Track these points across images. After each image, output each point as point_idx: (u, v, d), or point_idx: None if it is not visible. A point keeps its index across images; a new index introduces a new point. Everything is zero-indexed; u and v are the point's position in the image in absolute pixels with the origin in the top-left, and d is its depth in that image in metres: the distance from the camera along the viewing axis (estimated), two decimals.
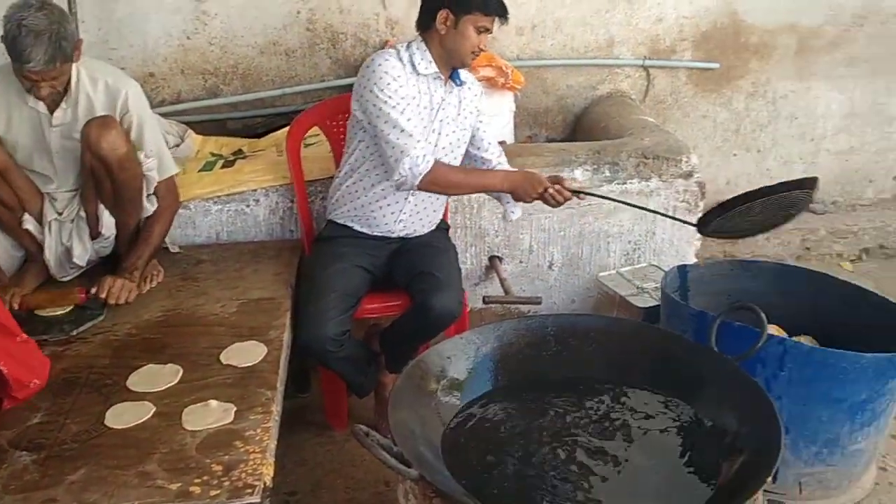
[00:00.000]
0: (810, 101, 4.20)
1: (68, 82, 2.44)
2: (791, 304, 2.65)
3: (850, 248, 4.18)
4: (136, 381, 2.08)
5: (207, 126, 3.62)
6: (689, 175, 3.15)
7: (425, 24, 2.52)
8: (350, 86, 3.63)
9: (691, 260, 3.23)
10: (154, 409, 1.95)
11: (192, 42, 3.61)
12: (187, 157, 3.15)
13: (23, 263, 2.64)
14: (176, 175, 2.71)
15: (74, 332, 2.32)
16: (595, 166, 3.13)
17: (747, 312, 2.13)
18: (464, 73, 2.64)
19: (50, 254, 2.55)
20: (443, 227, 2.85)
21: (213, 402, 1.96)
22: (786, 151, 4.27)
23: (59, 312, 2.39)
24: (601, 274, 3.18)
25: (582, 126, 3.94)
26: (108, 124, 2.42)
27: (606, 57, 3.94)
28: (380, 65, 2.46)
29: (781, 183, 2.43)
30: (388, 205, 2.61)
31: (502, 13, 2.47)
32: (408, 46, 2.54)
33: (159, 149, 2.62)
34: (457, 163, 2.66)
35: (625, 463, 1.87)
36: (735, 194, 2.45)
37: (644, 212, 2.88)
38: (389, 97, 2.43)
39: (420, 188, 2.45)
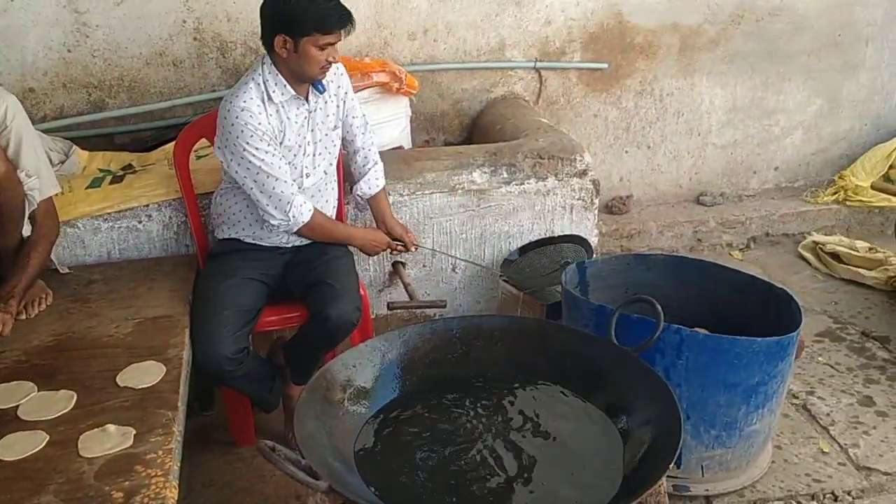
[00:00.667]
0: (695, 97, 4.35)
1: None
2: (685, 294, 2.75)
3: (738, 237, 4.35)
4: (27, 410, 1.97)
5: (94, 141, 3.50)
6: (583, 173, 3.22)
7: (267, 46, 2.45)
8: None
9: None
10: (48, 438, 1.86)
11: (73, 55, 3.47)
12: (73, 173, 3.04)
13: None
14: (56, 195, 2.58)
15: None
16: (492, 168, 3.16)
17: (644, 304, 2.19)
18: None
19: None
20: None
21: (111, 427, 1.87)
22: (674, 147, 4.42)
23: None
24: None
25: (478, 129, 3.98)
26: None
27: (499, 60, 3.99)
28: (241, 111, 2.40)
29: (557, 237, 3.19)
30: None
31: (343, 24, 2.38)
32: (262, 71, 2.47)
33: (38, 167, 2.47)
34: (334, 161, 2.73)
35: (533, 459, 1.89)
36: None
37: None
38: (256, 149, 2.42)
39: (300, 233, 2.60)
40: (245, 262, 2.56)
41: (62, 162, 3.03)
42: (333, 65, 2.51)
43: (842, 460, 2.63)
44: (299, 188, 2.56)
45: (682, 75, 4.29)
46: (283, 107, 2.49)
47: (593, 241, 3.33)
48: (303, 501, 2.45)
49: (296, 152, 2.56)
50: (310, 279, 2.55)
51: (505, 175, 3.17)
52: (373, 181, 2.81)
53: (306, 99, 2.55)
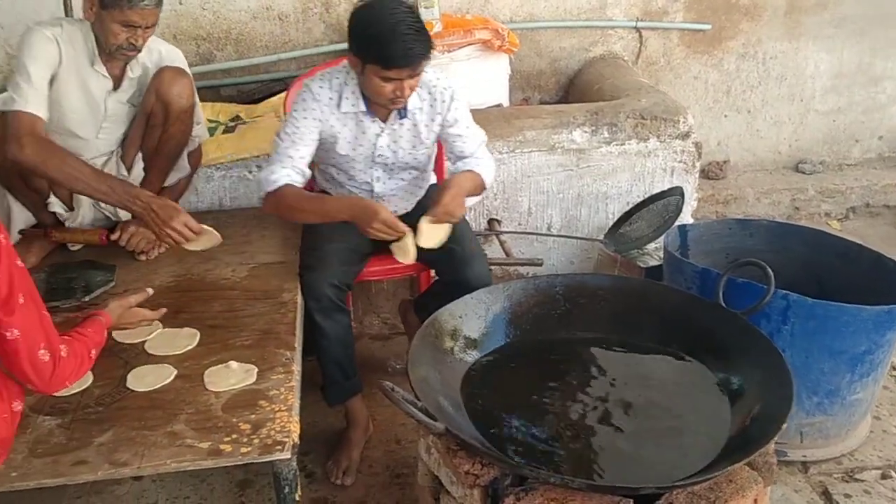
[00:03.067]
0: (799, 61, 4.25)
1: None
2: (787, 260, 2.71)
3: (837, 206, 4.26)
4: (154, 345, 2.09)
5: (201, 93, 3.55)
6: (686, 135, 3.19)
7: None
8: (345, 51, 3.65)
9: (689, 220, 3.27)
10: (175, 372, 1.97)
11: (184, 7, 3.58)
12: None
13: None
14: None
15: (86, 299, 2.32)
16: (593, 127, 3.15)
17: (751, 268, 2.19)
18: (415, 99, 2.41)
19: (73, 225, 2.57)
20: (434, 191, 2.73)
21: (234, 364, 1.97)
22: (775, 112, 4.33)
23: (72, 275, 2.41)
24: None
25: (575, 88, 3.96)
26: (181, 74, 2.54)
27: (599, 19, 3.96)
28: (303, 92, 2.41)
29: (655, 194, 3.03)
30: (359, 193, 2.59)
31: (405, 64, 2.19)
32: (343, 76, 2.41)
33: (199, 115, 2.72)
34: (416, 170, 2.61)
35: (637, 417, 1.92)
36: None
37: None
38: (294, 117, 2.39)
39: (265, 208, 2.45)
40: None
41: None
42: (437, 92, 2.43)
43: None
44: (372, 195, 2.55)
45: (787, 38, 4.19)
46: (355, 117, 2.42)
47: (692, 205, 3.31)
48: (403, 445, 2.57)
49: (353, 164, 2.51)
50: None
51: (606, 135, 3.16)
52: (471, 165, 2.55)
53: (384, 119, 2.44)
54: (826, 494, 2.36)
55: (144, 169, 2.66)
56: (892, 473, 2.44)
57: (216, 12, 3.61)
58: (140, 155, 2.65)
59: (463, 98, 2.53)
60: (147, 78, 2.55)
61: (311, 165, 2.49)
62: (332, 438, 2.60)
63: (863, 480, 2.41)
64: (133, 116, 2.61)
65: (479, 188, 2.53)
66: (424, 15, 3.54)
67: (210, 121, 3.20)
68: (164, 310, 2.10)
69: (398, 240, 2.32)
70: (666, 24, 4.02)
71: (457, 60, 3.46)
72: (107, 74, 2.49)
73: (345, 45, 3.63)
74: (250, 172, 2.96)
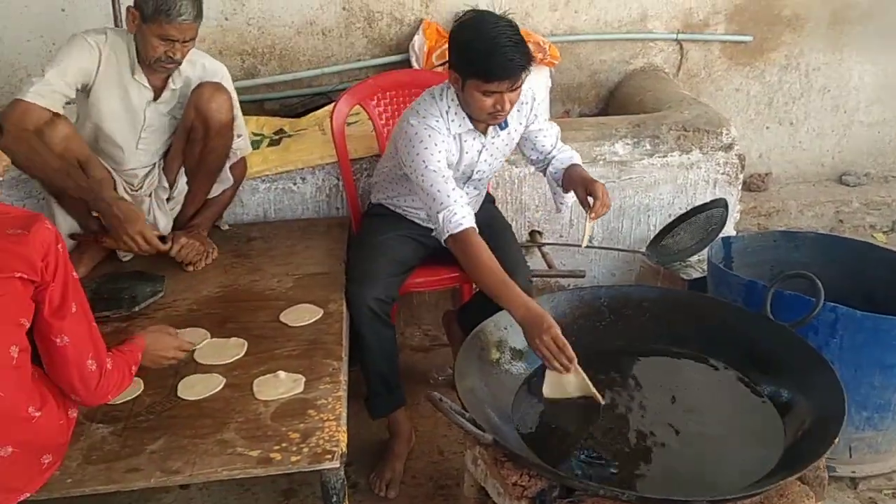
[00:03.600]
0: (843, 72, 4.19)
1: None
2: (834, 273, 2.66)
3: (882, 219, 4.18)
4: (203, 354, 2.12)
5: (245, 107, 3.61)
6: (729, 147, 3.17)
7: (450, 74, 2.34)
8: (386, 65, 3.71)
9: (731, 232, 3.25)
10: (224, 381, 2.00)
11: (230, 23, 3.64)
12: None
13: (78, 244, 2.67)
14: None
15: (136, 309, 2.36)
16: (636, 140, 3.15)
17: (798, 281, 2.17)
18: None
19: None
20: (489, 200, 2.83)
21: (282, 373, 2.00)
22: (818, 124, 4.28)
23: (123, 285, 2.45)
24: None
25: (616, 101, 3.96)
26: (220, 89, 2.57)
27: (639, 31, 3.95)
28: (426, 127, 2.33)
29: (698, 205, 2.96)
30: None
31: (505, 76, 2.17)
32: (446, 98, 2.38)
33: (242, 129, 2.77)
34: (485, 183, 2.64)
35: (687, 431, 1.91)
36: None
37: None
38: (431, 155, 2.31)
39: (447, 244, 2.30)
40: (403, 222, 2.61)
41: None
42: (522, 95, 2.37)
43: None
44: None
45: (831, 50, 4.14)
46: (459, 137, 2.41)
47: (735, 217, 3.28)
48: (446, 457, 2.58)
49: (460, 179, 2.51)
50: None
51: (648, 147, 3.15)
52: (565, 158, 2.58)
53: (484, 132, 2.44)
54: None
55: (187, 182, 2.71)
56: None
57: (261, 28, 3.66)
58: (183, 169, 2.71)
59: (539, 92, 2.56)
60: (189, 90, 2.60)
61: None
62: (374, 450, 2.61)
63: None
64: (174, 129, 2.66)
65: None
66: None
67: (254, 134, 3.25)
68: (196, 345, 2.13)
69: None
70: (707, 36, 4.00)
71: None
72: (147, 85, 2.55)
73: (387, 59, 3.73)
74: (294, 184, 2.99)
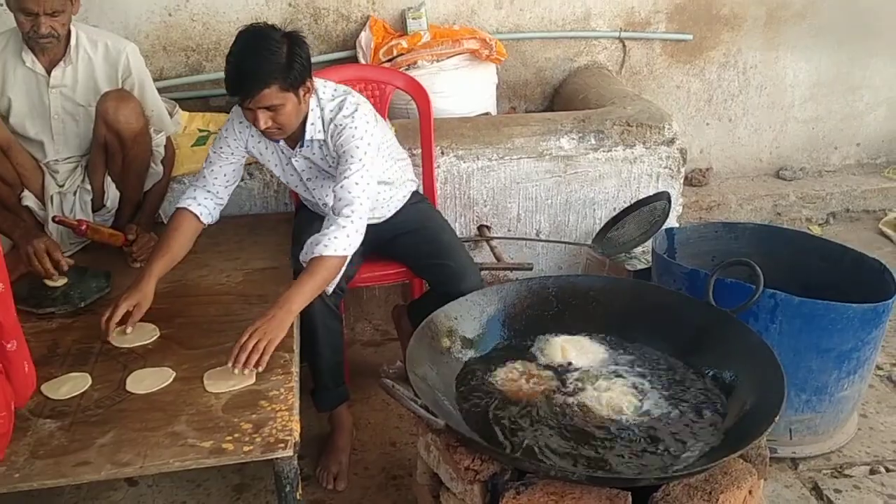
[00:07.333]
0: (779, 70, 4.33)
1: (67, 41, 2.46)
2: (772, 262, 2.74)
3: (818, 212, 4.33)
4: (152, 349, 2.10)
5: (190, 103, 3.61)
6: (671, 141, 3.25)
7: None
8: (332, 61, 3.71)
9: (674, 224, 3.32)
10: (174, 375, 1.99)
11: (173, 18, 3.60)
12: (176, 132, 3.16)
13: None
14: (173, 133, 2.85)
15: (82, 305, 2.33)
16: (581, 134, 3.20)
17: (739, 269, 2.23)
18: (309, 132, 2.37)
19: (52, 228, 2.56)
20: (415, 200, 2.74)
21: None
22: (756, 120, 4.40)
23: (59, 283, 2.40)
24: None
25: (561, 97, 4.01)
26: (124, 98, 2.49)
27: (583, 29, 4.01)
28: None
29: (642, 198, 3.08)
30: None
31: (231, 93, 2.21)
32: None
33: (159, 108, 2.73)
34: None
35: (635, 413, 1.95)
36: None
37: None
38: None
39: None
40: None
41: None
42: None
43: None
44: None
45: (767, 48, 4.26)
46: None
47: (677, 210, 3.36)
48: (398, 448, 2.58)
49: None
50: (421, 257, 2.56)
51: (593, 142, 3.21)
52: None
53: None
54: (816, 490, 2.40)
55: (118, 188, 2.68)
56: (881, 469, 2.48)
57: (206, 24, 3.63)
58: (108, 179, 2.67)
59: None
60: (94, 71, 2.56)
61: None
62: (324, 443, 2.61)
63: (852, 476, 2.46)
64: (92, 121, 2.57)
65: None
66: (412, 26, 3.60)
67: (200, 130, 3.22)
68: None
69: None
70: (648, 35, 4.08)
71: (445, 70, 3.50)
72: (38, 66, 2.52)
73: (334, 55, 3.72)
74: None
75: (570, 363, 2.14)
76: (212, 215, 2.43)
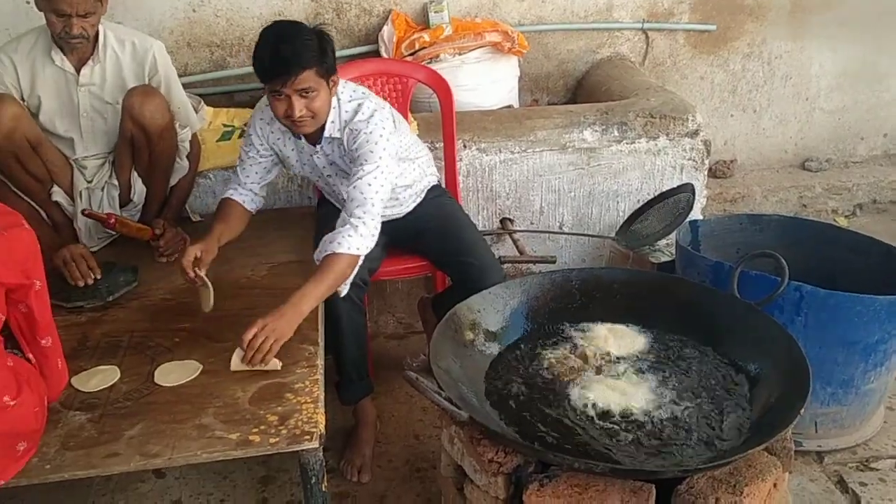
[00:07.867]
0: (804, 60, 4.28)
1: (95, 40, 2.49)
2: (798, 255, 2.72)
3: (844, 203, 4.28)
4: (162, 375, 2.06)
5: (214, 99, 3.64)
6: (695, 133, 3.23)
7: None
8: (355, 55, 3.72)
9: (698, 217, 3.30)
10: (201, 367, 2.01)
11: (197, 14, 3.62)
12: (201, 128, 3.18)
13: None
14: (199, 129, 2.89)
15: (110, 299, 2.36)
16: (604, 126, 3.19)
17: (765, 261, 2.22)
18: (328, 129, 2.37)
19: (80, 223, 2.60)
20: (435, 195, 2.73)
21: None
22: (781, 111, 4.36)
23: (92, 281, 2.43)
24: None
25: (583, 89, 4.00)
26: (150, 94, 2.52)
27: (606, 21, 3.99)
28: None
29: (666, 191, 3.09)
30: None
31: (267, 78, 2.17)
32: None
33: (185, 104, 2.75)
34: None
35: (659, 405, 1.94)
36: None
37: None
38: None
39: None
40: None
41: None
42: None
43: None
44: None
45: (792, 38, 4.22)
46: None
47: (701, 202, 3.34)
48: (422, 441, 2.60)
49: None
50: (444, 253, 2.58)
51: (616, 134, 3.20)
52: None
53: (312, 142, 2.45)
54: (842, 483, 2.39)
55: (144, 183, 2.72)
56: None
57: (229, 19, 3.66)
58: (135, 174, 2.71)
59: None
60: (122, 69, 2.60)
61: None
62: (348, 436, 2.63)
63: (878, 469, 2.44)
64: (119, 118, 2.59)
65: None
66: (434, 19, 3.60)
67: (225, 125, 3.23)
68: None
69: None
70: (672, 25, 4.06)
71: (468, 63, 3.51)
72: (67, 65, 2.54)
73: (356, 50, 3.73)
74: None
75: (608, 353, 2.13)
76: (254, 202, 2.54)
